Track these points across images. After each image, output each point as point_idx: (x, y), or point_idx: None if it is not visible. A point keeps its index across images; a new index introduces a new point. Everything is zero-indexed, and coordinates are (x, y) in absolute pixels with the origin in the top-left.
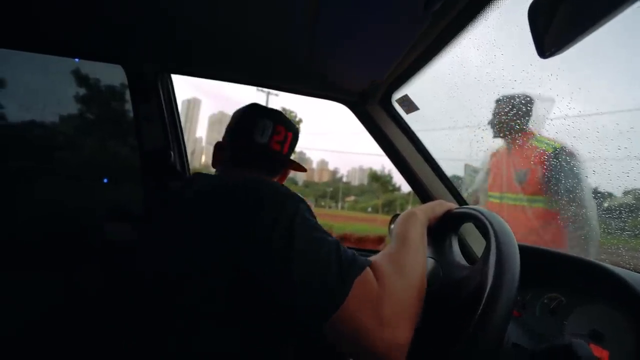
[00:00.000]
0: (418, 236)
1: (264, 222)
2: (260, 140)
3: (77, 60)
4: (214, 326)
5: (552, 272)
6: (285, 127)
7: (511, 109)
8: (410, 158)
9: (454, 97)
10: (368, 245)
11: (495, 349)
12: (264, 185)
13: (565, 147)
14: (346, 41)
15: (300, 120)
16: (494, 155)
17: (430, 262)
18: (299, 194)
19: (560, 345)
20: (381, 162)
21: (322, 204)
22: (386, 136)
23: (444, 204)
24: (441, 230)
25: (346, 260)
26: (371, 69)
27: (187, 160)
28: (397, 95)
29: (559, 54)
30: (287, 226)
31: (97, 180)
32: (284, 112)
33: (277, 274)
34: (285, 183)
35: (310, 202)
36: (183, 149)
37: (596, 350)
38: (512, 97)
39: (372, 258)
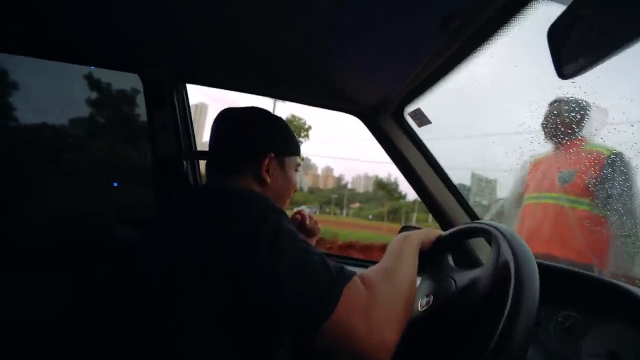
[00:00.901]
0: (411, 254)
1: (247, 234)
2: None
3: (93, 67)
4: (205, 335)
5: (566, 290)
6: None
7: (566, 112)
8: (421, 171)
9: (468, 110)
10: (375, 254)
11: None
12: (243, 196)
13: (622, 154)
14: (361, 54)
15: (310, 127)
16: (535, 164)
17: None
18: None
19: None
20: (387, 169)
21: (327, 210)
22: (397, 148)
23: (434, 231)
24: (436, 253)
25: (334, 269)
26: (385, 82)
27: (199, 169)
28: (410, 108)
29: (578, 75)
30: (272, 238)
31: (107, 183)
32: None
33: (267, 284)
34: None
35: (316, 208)
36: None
37: None
38: (568, 101)
39: (362, 272)
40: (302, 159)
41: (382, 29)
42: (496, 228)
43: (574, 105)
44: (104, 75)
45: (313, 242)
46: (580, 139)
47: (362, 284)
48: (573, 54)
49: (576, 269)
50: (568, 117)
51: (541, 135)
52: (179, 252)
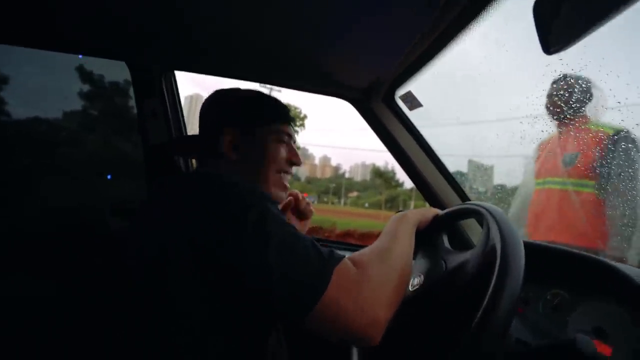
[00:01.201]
0: (407, 234)
1: (233, 221)
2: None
3: (80, 56)
4: (196, 321)
5: (554, 269)
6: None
7: (569, 91)
8: (413, 155)
9: (458, 93)
10: (373, 241)
11: (499, 345)
12: (229, 183)
13: (628, 131)
14: (350, 37)
15: (305, 116)
16: (542, 148)
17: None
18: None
19: (564, 340)
20: (384, 158)
21: (325, 199)
22: (389, 133)
23: (432, 210)
24: (433, 232)
25: (324, 251)
26: (375, 65)
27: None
28: (401, 91)
29: (563, 50)
30: (258, 224)
31: (100, 176)
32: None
33: (255, 271)
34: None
35: (314, 197)
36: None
37: (600, 346)
38: (570, 78)
39: (353, 253)
40: (299, 149)
41: (369, 10)
42: (488, 210)
43: (577, 82)
44: (96, 67)
45: (306, 225)
46: (584, 118)
47: (353, 264)
48: (558, 29)
49: (563, 247)
50: (571, 94)
51: (535, 118)
52: (165, 241)
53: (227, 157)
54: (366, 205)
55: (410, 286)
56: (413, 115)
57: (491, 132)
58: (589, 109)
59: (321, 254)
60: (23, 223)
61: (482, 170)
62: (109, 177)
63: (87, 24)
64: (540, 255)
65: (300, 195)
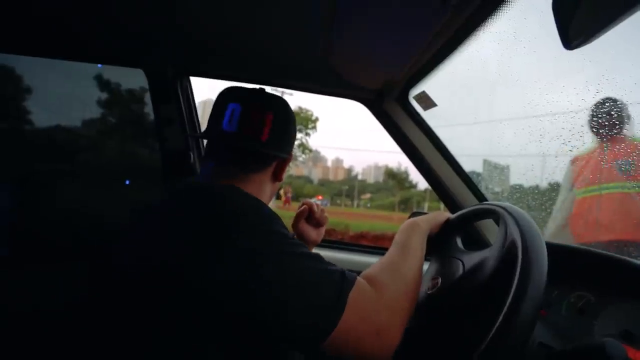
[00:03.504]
0: (418, 244)
1: (238, 254)
2: (228, 128)
3: (100, 66)
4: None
5: (578, 270)
6: (260, 108)
7: (608, 113)
8: (428, 156)
9: (474, 92)
10: (386, 244)
11: (521, 348)
12: (229, 204)
13: None
14: (363, 38)
15: (317, 119)
16: (578, 159)
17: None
18: (266, 207)
19: (592, 344)
20: (397, 159)
21: (338, 202)
22: (404, 134)
23: (443, 214)
24: (446, 236)
25: (336, 275)
26: (388, 65)
27: None
28: (415, 91)
29: (585, 44)
30: (274, 248)
31: (119, 181)
32: (266, 91)
33: (267, 309)
34: (299, 183)
35: (327, 200)
36: (202, 149)
37: (630, 351)
38: (607, 102)
39: (366, 270)
40: (311, 152)
41: (381, 9)
42: (503, 208)
43: (617, 105)
44: (113, 75)
45: (321, 232)
46: (623, 135)
47: (369, 284)
48: (579, 23)
49: (587, 248)
50: (612, 115)
51: (555, 116)
52: (153, 258)
53: (278, 179)
54: (368, 205)
55: (427, 289)
56: (427, 116)
57: (509, 130)
58: (628, 127)
59: (333, 277)
60: (43, 227)
61: (499, 170)
62: (127, 182)
63: (102, 34)
64: (563, 256)
65: (314, 204)
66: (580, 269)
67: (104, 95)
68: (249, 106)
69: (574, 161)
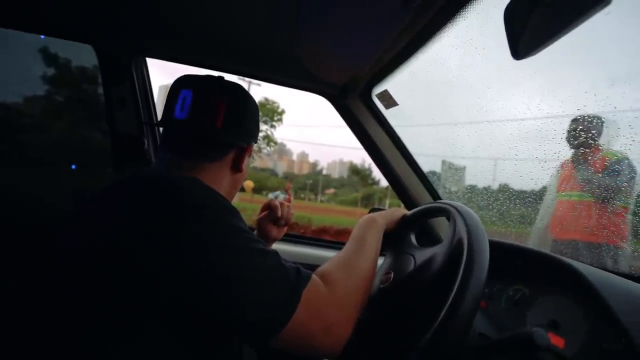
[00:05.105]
0: (374, 239)
1: (194, 243)
2: (180, 115)
3: (42, 37)
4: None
5: (518, 265)
6: (212, 94)
7: (586, 128)
8: (388, 153)
9: (433, 94)
10: (347, 238)
11: (462, 338)
12: (181, 193)
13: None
14: (328, 33)
15: (283, 111)
16: (565, 165)
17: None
18: (226, 201)
19: (521, 333)
20: (361, 155)
21: (302, 196)
22: (365, 131)
23: (400, 210)
24: (401, 232)
25: (291, 272)
26: (352, 62)
27: None
28: (378, 90)
29: (531, 55)
30: (225, 241)
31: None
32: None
33: (215, 299)
34: (264, 175)
35: (291, 193)
36: (157, 135)
37: (554, 338)
38: (585, 118)
39: (322, 266)
40: (276, 144)
41: (346, 5)
42: (454, 207)
43: (592, 122)
44: (61, 50)
45: (283, 230)
46: (597, 147)
47: (323, 280)
48: (527, 34)
49: (526, 246)
50: (587, 131)
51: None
52: (105, 242)
53: (239, 168)
54: (324, 199)
55: (380, 283)
56: (389, 114)
57: (463, 133)
58: (602, 140)
59: (288, 274)
60: None
61: (454, 171)
62: (73, 167)
63: (51, 3)
64: (506, 253)
65: (278, 207)
66: (520, 265)
67: (50, 71)
68: (200, 92)
69: (561, 166)
